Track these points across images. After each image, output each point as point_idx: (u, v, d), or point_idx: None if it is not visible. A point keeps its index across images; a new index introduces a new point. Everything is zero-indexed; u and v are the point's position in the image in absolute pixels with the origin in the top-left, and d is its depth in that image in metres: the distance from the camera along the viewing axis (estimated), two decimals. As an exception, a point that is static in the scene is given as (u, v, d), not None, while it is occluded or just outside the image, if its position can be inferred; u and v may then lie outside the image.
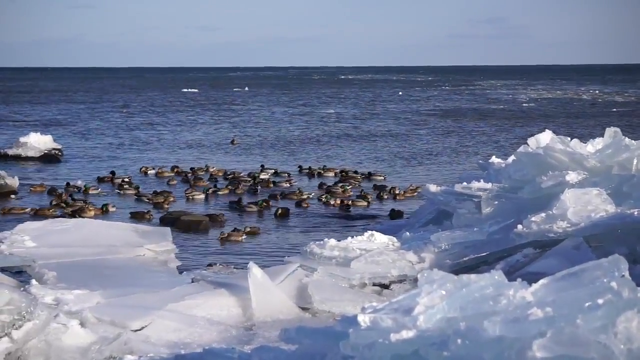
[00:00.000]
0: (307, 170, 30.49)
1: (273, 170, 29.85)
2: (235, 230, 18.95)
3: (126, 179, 27.30)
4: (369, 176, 29.01)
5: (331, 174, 29.76)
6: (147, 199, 23.78)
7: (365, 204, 23.12)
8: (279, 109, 68.79)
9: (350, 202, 23.23)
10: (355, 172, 29.69)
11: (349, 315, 6.95)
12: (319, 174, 29.78)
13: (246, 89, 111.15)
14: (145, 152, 38.01)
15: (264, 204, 22.63)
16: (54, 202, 22.56)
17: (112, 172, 28.80)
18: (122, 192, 25.18)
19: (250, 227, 19.44)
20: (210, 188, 25.41)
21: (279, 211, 21.64)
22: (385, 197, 24.33)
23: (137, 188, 25.42)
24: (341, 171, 29.79)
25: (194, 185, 26.22)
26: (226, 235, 18.38)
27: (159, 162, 33.36)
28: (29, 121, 54.95)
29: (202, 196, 24.60)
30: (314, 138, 44.21)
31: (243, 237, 18.58)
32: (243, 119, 58.23)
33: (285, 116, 60.67)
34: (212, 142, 41.73)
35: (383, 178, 28.79)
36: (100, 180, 27.97)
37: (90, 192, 25.07)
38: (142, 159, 35.18)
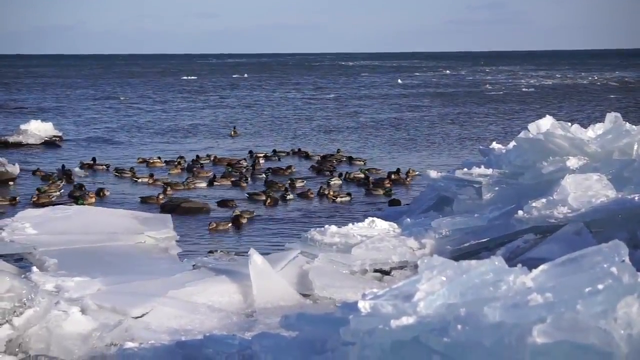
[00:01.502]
0: (289, 153, 30.91)
1: (263, 154, 30.13)
2: (239, 214, 18.88)
3: (108, 166, 27.79)
4: (349, 160, 29.16)
5: (316, 157, 30.12)
6: (165, 184, 23.93)
7: (382, 192, 22.83)
8: (278, 95, 68.69)
9: (370, 188, 23.19)
10: (331, 155, 29.95)
11: (349, 302, 6.96)
12: (306, 157, 30.09)
13: (245, 75, 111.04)
14: (144, 139, 37.98)
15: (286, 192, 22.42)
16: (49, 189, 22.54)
17: (93, 159, 28.80)
18: (138, 179, 25.30)
19: (240, 211, 19.17)
20: (215, 176, 25.42)
21: (268, 200, 21.37)
22: (388, 184, 24.05)
23: (151, 175, 25.57)
24: (324, 155, 30.09)
25: (197, 174, 26.19)
26: (215, 225, 18.24)
27: (157, 150, 33.36)
28: (30, 108, 54.90)
29: (204, 184, 24.48)
30: (312, 124, 44.19)
31: (230, 225, 18.38)
32: (243, 105, 58.17)
33: (284, 102, 60.58)
34: (212, 130, 41.69)
35: (363, 162, 28.90)
36: (84, 166, 28.12)
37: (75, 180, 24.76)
38: (141, 146, 35.21)
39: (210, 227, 18.12)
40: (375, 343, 5.96)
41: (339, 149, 31.11)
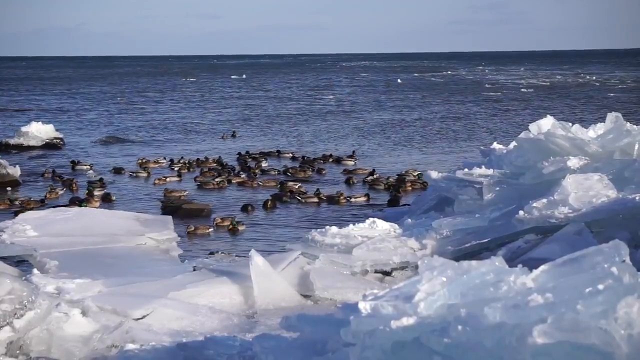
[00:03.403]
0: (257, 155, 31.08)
1: (238, 155, 30.56)
2: (225, 218, 18.88)
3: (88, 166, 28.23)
4: (338, 161, 29.25)
5: (289, 155, 30.83)
6: (201, 182, 24.34)
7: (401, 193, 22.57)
8: (277, 96, 68.72)
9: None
10: (324, 156, 30.11)
11: (350, 303, 6.95)
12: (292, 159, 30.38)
13: (244, 76, 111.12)
14: (144, 140, 38.03)
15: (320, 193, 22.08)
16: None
17: (73, 162, 28.88)
18: (166, 178, 25.51)
19: (221, 218, 19.03)
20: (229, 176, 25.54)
21: (268, 203, 21.17)
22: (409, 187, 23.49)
23: (179, 175, 26.00)
24: (303, 156, 30.56)
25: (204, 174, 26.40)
26: (193, 229, 17.97)
27: (156, 150, 33.43)
28: (31, 110, 54.94)
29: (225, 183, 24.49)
30: (311, 125, 44.23)
31: (210, 229, 18.18)
32: (241, 106, 58.20)
33: (282, 103, 60.61)
34: (210, 132, 41.73)
35: (353, 163, 28.91)
36: (75, 165, 28.36)
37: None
38: (141, 147, 35.28)
39: (188, 231, 17.80)
40: (375, 344, 5.95)
41: (354, 151, 31.18)
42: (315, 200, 21.71)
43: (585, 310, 5.37)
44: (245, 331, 9.98)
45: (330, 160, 29.55)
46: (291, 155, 31.08)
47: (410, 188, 23.17)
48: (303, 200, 21.74)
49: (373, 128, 41.97)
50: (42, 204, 21.10)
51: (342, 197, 21.88)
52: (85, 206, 19.70)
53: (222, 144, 36.28)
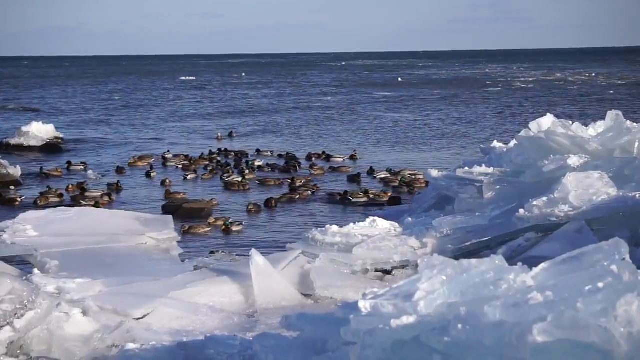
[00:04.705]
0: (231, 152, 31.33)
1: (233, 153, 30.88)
2: (218, 218, 18.85)
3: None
4: (327, 158, 29.42)
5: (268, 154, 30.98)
6: (225, 182, 24.41)
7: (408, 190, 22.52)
8: (275, 95, 68.71)
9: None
10: (311, 154, 30.29)
11: (350, 302, 6.95)
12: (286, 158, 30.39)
13: (243, 74, 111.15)
14: (143, 140, 38.06)
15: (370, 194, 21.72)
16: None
17: (69, 162, 28.85)
18: (187, 177, 25.78)
19: (215, 218, 18.98)
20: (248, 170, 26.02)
21: (272, 202, 21.10)
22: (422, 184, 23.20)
23: (195, 171, 26.34)
24: (287, 154, 30.64)
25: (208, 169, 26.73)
26: (187, 228, 17.86)
27: (159, 150, 33.43)
28: (31, 110, 54.94)
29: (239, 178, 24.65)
30: (310, 123, 44.24)
31: (208, 229, 18.10)
32: (237, 106, 58.21)
33: (281, 102, 60.58)
34: (209, 130, 41.75)
35: (342, 159, 28.97)
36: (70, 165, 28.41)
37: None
38: (140, 146, 35.30)
39: (182, 230, 17.57)
40: (375, 343, 5.95)
41: (355, 150, 31.18)
42: (363, 199, 21.36)
43: (585, 309, 5.36)
44: (245, 330, 9.99)
45: (323, 156, 29.65)
46: (270, 153, 31.13)
47: (424, 185, 23.06)
48: (352, 200, 21.34)
49: (372, 126, 41.94)
50: (60, 198, 21.77)
51: (381, 194, 21.78)
52: (98, 206, 19.68)
53: (219, 145, 36.22)
